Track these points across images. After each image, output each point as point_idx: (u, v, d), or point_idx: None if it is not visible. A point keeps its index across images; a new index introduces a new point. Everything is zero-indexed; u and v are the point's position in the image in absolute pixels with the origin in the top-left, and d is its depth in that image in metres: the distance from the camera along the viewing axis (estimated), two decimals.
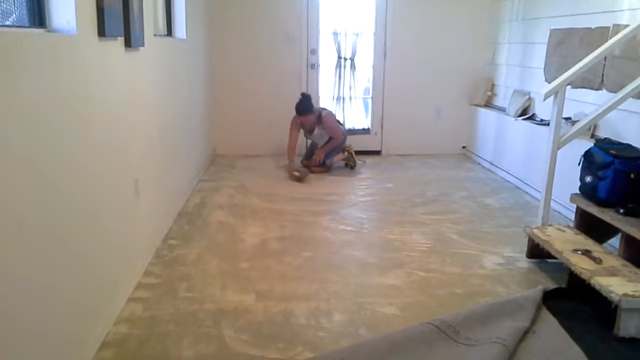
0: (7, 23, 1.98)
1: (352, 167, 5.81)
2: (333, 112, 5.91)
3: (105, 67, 2.56)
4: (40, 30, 2.12)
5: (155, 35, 3.61)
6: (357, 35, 6.30)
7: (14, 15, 2.04)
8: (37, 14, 2.15)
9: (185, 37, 4.59)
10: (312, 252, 3.52)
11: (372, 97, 6.56)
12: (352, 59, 6.36)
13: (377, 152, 6.59)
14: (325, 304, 2.83)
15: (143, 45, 3.12)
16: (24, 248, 1.75)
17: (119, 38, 2.73)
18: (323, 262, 3.38)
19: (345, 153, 5.84)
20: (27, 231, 1.77)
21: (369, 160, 6.25)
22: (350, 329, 2.59)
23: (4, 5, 1.97)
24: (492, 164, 5.80)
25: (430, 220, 4.16)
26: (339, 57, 6.34)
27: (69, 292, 2.11)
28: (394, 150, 6.57)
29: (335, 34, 6.26)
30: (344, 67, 6.37)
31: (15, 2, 2.05)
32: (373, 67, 6.44)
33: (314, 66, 6.35)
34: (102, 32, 2.43)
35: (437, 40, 6.33)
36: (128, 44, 2.84)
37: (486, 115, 6.07)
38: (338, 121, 5.87)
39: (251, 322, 2.62)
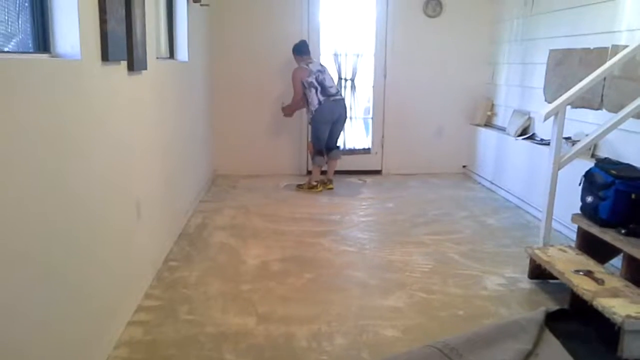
0: (10, 45, 2.00)
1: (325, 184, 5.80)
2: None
3: (109, 91, 2.58)
4: (45, 56, 2.14)
5: (157, 58, 3.65)
6: (358, 56, 6.34)
7: (17, 37, 2.06)
8: (42, 39, 2.17)
9: (187, 60, 4.63)
10: (313, 274, 3.51)
11: (372, 117, 6.59)
12: (352, 80, 6.40)
13: (378, 172, 6.60)
14: (327, 326, 2.81)
15: (146, 69, 3.15)
16: (24, 272, 1.75)
17: (122, 62, 2.76)
18: (325, 284, 3.37)
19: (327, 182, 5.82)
20: (28, 255, 1.77)
21: (370, 180, 6.26)
22: (353, 352, 2.57)
23: (9, 29, 2.00)
24: (492, 183, 5.81)
25: (431, 240, 4.16)
26: (340, 78, 6.37)
27: (68, 316, 2.10)
28: (394, 170, 6.58)
29: (335, 55, 6.31)
30: (345, 87, 6.40)
31: (20, 27, 2.07)
32: (373, 87, 6.49)
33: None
34: (105, 57, 2.46)
35: (437, 60, 6.38)
36: (131, 67, 2.86)
37: (486, 135, 6.10)
38: (315, 88, 5.52)
39: (253, 346, 2.61)
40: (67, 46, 2.20)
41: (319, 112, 5.54)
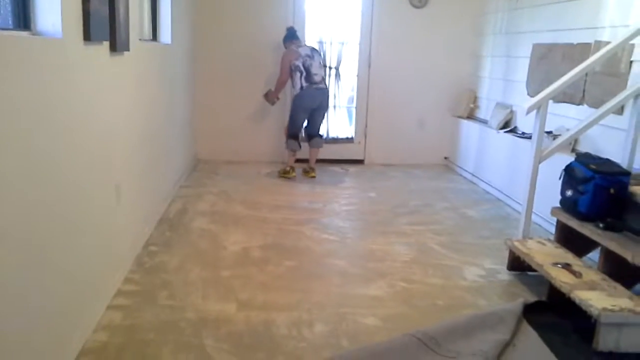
0: None
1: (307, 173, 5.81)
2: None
3: (90, 72, 2.53)
4: (25, 33, 2.09)
5: (140, 39, 3.59)
6: (343, 44, 6.33)
7: None
8: (22, 17, 2.12)
9: (170, 42, 4.57)
10: (294, 261, 3.51)
11: (356, 106, 6.58)
12: (337, 68, 6.38)
13: (361, 162, 6.60)
14: (307, 314, 2.82)
15: (128, 50, 3.10)
16: (2, 256, 1.71)
17: (104, 42, 2.71)
18: (305, 272, 3.36)
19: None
20: (6, 239, 1.74)
21: (352, 169, 6.27)
22: (332, 340, 2.58)
23: None
24: (473, 175, 5.85)
25: (412, 230, 4.18)
26: (324, 66, 6.33)
27: (47, 300, 2.07)
28: (377, 160, 6.59)
29: (320, 42, 6.28)
30: (329, 75, 6.37)
31: (0, 3, 2.02)
32: (357, 76, 6.47)
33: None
34: (87, 36, 2.41)
35: (421, 51, 6.38)
36: (113, 48, 2.81)
37: (468, 127, 6.13)
38: (300, 73, 5.48)
39: (232, 332, 2.60)
40: (49, 24, 2.15)
41: (298, 98, 5.53)
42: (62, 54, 2.19)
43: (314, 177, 5.72)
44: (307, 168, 5.79)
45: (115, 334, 2.53)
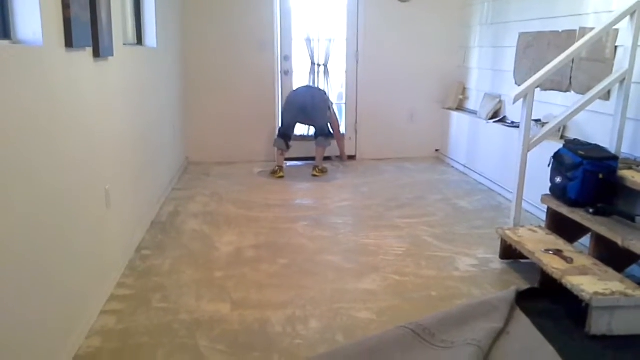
0: None
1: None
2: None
3: (74, 78, 2.52)
4: (5, 42, 2.09)
5: (124, 44, 3.58)
6: (330, 41, 6.32)
7: None
8: (2, 26, 2.11)
9: (155, 46, 4.56)
10: (287, 259, 3.51)
11: (345, 103, 6.58)
12: (325, 65, 6.38)
13: (352, 157, 6.61)
14: (302, 311, 2.82)
15: (112, 55, 3.09)
16: None
17: (87, 48, 2.70)
18: (299, 269, 3.37)
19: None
20: None
21: (344, 165, 6.27)
22: (327, 336, 2.58)
23: None
24: (465, 166, 5.86)
25: (405, 223, 4.19)
26: (313, 63, 6.35)
27: (38, 307, 2.07)
28: (368, 155, 6.60)
29: (308, 40, 6.28)
30: (318, 73, 6.38)
31: None
32: (346, 72, 6.47)
33: (287, 72, 6.36)
34: (69, 43, 2.40)
35: (409, 44, 6.39)
36: (97, 54, 2.81)
37: (458, 119, 6.14)
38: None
39: (227, 332, 2.61)
40: (29, 32, 2.15)
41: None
42: (44, 62, 2.18)
43: (315, 175, 5.71)
44: (313, 166, 5.86)
45: (109, 339, 2.53)
